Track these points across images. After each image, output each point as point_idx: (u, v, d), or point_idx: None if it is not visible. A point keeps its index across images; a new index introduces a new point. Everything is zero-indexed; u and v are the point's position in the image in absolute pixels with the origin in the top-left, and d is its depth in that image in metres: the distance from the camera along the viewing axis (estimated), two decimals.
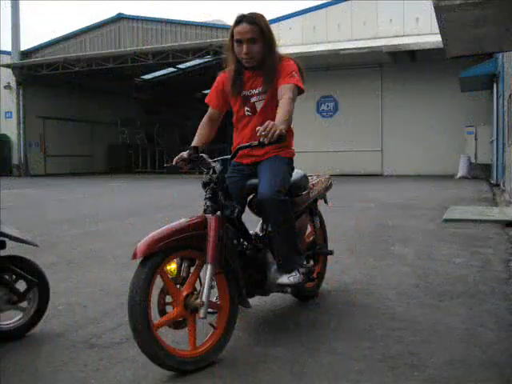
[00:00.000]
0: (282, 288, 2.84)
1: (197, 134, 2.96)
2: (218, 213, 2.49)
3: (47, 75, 22.39)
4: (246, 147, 2.66)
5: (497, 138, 14.00)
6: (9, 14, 22.43)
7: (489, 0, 4.36)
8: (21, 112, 22.92)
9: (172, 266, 2.35)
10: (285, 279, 2.78)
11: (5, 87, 22.83)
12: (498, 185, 12.90)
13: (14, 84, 22.88)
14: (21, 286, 2.74)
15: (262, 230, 2.99)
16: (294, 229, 2.85)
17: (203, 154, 2.61)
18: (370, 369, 2.30)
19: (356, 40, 17.95)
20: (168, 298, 2.34)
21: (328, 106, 19.84)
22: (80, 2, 76.64)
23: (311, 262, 3.34)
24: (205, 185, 2.52)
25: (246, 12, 2.81)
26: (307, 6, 19.12)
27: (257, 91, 2.89)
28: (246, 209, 2.97)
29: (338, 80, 19.23)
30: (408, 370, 2.29)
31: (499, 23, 5.10)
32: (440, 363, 2.35)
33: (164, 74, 29.19)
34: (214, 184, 2.50)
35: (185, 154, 2.69)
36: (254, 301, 3.04)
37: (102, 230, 6.61)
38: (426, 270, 4.17)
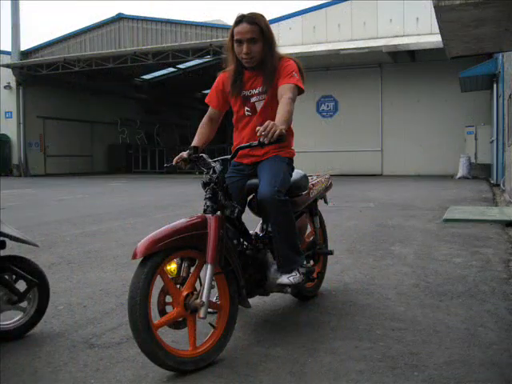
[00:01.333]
0: (282, 288, 2.83)
1: (197, 133, 2.96)
2: (218, 213, 2.50)
3: (47, 75, 22.39)
4: (246, 147, 2.66)
5: (497, 138, 14.00)
6: (9, 14, 22.48)
7: (489, 0, 4.35)
8: (21, 112, 22.91)
9: (172, 266, 2.35)
10: (285, 279, 2.78)
11: (5, 87, 22.84)
12: (498, 185, 12.90)
13: (14, 84, 22.88)
14: (21, 286, 2.74)
15: (262, 229, 2.99)
16: (294, 229, 2.85)
17: (203, 154, 2.62)
18: (370, 369, 2.30)
19: (356, 40, 17.95)
20: (168, 298, 2.34)
21: (328, 105, 19.84)
22: (80, 2, 76.67)
23: (311, 262, 3.34)
24: (205, 185, 2.52)
25: (245, 12, 2.81)
26: (307, 6, 19.15)
27: (257, 91, 2.89)
28: (246, 209, 2.97)
29: (337, 80, 19.24)
30: (408, 370, 2.29)
31: (499, 23, 5.09)
32: (440, 363, 2.35)
33: (164, 74, 29.19)
34: (214, 184, 2.50)
35: (185, 153, 2.70)
36: (254, 301, 3.04)
37: (102, 230, 6.61)
38: (425, 270, 4.17)
